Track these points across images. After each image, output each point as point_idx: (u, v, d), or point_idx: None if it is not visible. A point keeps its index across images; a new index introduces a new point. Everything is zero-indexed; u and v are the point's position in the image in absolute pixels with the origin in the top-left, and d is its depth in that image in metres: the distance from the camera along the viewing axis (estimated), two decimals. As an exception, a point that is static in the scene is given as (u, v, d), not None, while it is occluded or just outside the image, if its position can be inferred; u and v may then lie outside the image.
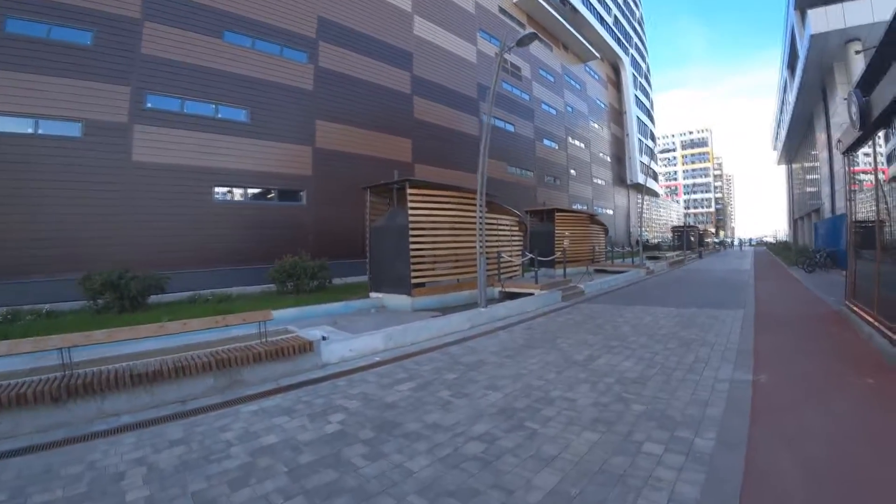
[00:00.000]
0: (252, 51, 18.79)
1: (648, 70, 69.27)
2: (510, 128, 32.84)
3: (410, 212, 12.16)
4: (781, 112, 46.50)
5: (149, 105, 15.74)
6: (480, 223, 10.82)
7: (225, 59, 17.80)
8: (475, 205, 13.80)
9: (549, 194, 36.15)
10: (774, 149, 61.86)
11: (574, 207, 36.35)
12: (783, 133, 44.61)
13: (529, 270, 20.59)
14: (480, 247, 10.69)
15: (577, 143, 43.62)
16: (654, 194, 73.14)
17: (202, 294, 14.05)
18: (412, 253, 12.07)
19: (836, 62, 23.95)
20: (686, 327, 8.38)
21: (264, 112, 18.89)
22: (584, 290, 14.00)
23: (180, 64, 16.52)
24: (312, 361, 6.61)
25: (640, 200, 63.03)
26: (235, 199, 18.30)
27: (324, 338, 7.29)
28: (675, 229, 53.33)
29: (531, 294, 12.74)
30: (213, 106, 17.51)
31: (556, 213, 22.15)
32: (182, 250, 16.24)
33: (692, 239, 44.91)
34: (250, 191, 18.77)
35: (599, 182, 49.13)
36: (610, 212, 50.79)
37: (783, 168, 62.77)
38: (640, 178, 58.25)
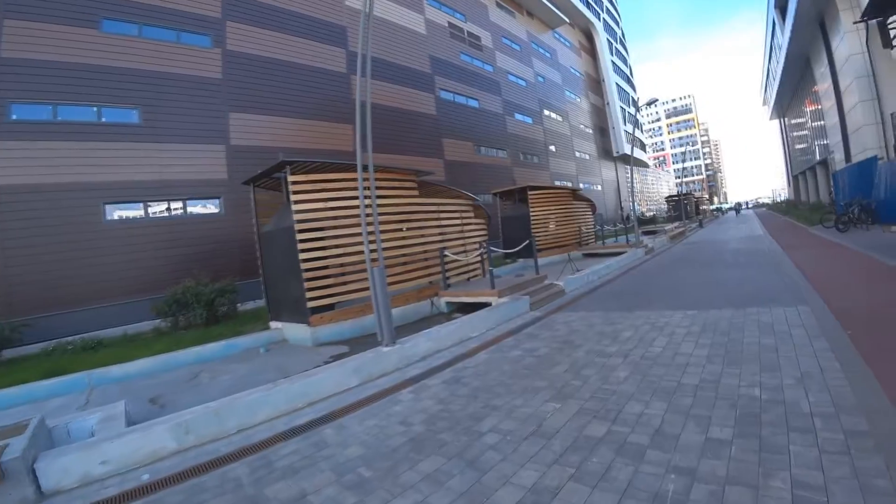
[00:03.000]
0: (140, 39, 15.37)
1: (623, 35, 65.19)
2: (474, 103, 28.95)
3: (295, 207, 8.49)
4: (770, 61, 42.99)
5: (13, 117, 12.82)
6: (367, 214, 7.15)
7: (105, 52, 14.51)
8: (411, 189, 10.22)
9: (528, 174, 32.37)
10: (764, 104, 58.44)
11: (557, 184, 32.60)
12: (775, 84, 41.19)
13: (503, 264, 16.95)
14: (372, 249, 7.03)
15: (553, 115, 39.66)
16: (644, 165, 69.46)
17: (70, 340, 10.63)
18: (304, 265, 8.46)
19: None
20: (730, 361, 4.56)
21: (162, 110, 15.45)
22: (565, 289, 10.27)
23: (50, 64, 13.47)
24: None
25: (629, 172, 59.64)
26: (131, 216, 14.77)
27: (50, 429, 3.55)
28: (669, 199, 49.89)
29: (488, 304, 9.07)
30: (95, 109, 14.30)
31: (530, 192, 18.39)
32: (65, 286, 13.06)
33: (689, 208, 41.34)
34: (152, 205, 15.22)
35: (583, 156, 45.24)
36: (598, 187, 46.97)
37: (775, 124, 59.41)
38: (627, 149, 54.54)
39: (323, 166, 8.98)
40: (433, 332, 6.92)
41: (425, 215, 10.46)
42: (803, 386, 3.70)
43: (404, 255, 9.78)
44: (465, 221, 11.97)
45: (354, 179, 9.25)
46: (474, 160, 27.83)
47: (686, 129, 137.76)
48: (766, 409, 3.36)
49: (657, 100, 17.71)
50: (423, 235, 10.28)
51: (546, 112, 38.21)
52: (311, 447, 3.89)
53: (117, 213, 14.46)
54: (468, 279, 11.66)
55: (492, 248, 11.72)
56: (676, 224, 32.40)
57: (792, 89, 39.19)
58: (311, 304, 8.48)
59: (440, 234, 10.83)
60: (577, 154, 43.71)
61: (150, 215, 15.17)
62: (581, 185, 39.63)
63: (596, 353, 5.44)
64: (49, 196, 13.06)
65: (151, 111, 15.24)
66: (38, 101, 13.27)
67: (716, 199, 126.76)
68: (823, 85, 27.55)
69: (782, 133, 55.90)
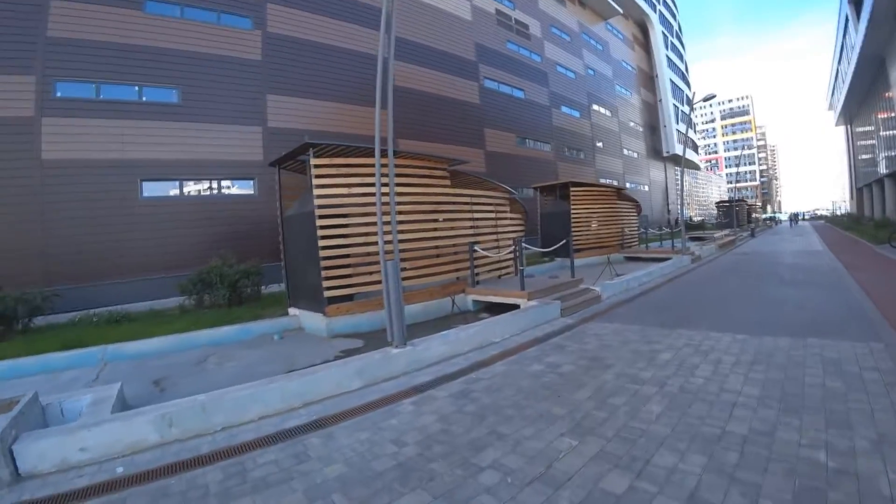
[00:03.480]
0: (181, 21, 15.55)
1: (680, 30, 62.06)
2: (519, 93, 28.00)
3: (317, 192, 8.10)
4: (840, 62, 40.00)
5: (58, 94, 13.22)
6: (384, 203, 6.65)
7: (148, 32, 14.73)
8: (442, 178, 9.70)
9: (573, 169, 31.25)
10: (830, 108, 54.74)
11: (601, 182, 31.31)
12: (844, 87, 38.28)
13: (540, 262, 16.24)
14: (387, 240, 6.51)
15: (602, 110, 38.17)
16: (695, 167, 66.61)
17: (97, 312, 10.60)
18: (322, 253, 8.06)
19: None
20: (788, 407, 3.81)
21: (201, 91, 15.56)
22: (602, 295, 9.54)
23: (94, 43, 13.77)
24: None
25: (678, 173, 57.26)
26: (168, 194, 15.02)
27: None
28: (720, 204, 47.52)
29: (516, 306, 8.48)
30: (136, 88, 14.60)
31: (572, 188, 17.53)
32: (102, 259, 13.47)
33: (741, 215, 39.17)
34: (188, 184, 15.50)
35: (631, 154, 43.51)
36: (645, 187, 45.16)
37: (841, 131, 55.56)
38: (678, 149, 52.22)
39: (348, 150, 8.53)
40: (450, 335, 6.38)
41: (456, 206, 9.90)
42: (881, 455, 2.96)
43: (432, 247, 9.27)
44: (500, 215, 11.35)
45: (384, 165, 8.82)
46: (517, 152, 26.98)
47: (742, 131, 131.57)
48: (833, 484, 2.66)
49: (714, 95, 16.48)
50: (452, 228, 9.74)
51: (594, 106, 36.82)
52: (292, 458, 3.49)
53: (153, 190, 14.69)
54: (499, 276, 11.07)
55: (526, 245, 11.11)
56: (726, 231, 30.71)
57: (863, 93, 36.33)
58: (328, 294, 8.11)
59: (472, 227, 10.26)
60: (625, 151, 42.06)
61: (185, 194, 15.43)
62: (627, 185, 38.13)
63: (628, 378, 4.78)
64: (89, 171, 13.47)
65: (190, 91, 15.36)
66: (81, 79, 13.60)
67: (769, 208, 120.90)
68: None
69: (848, 141, 52.22)
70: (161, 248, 14.35)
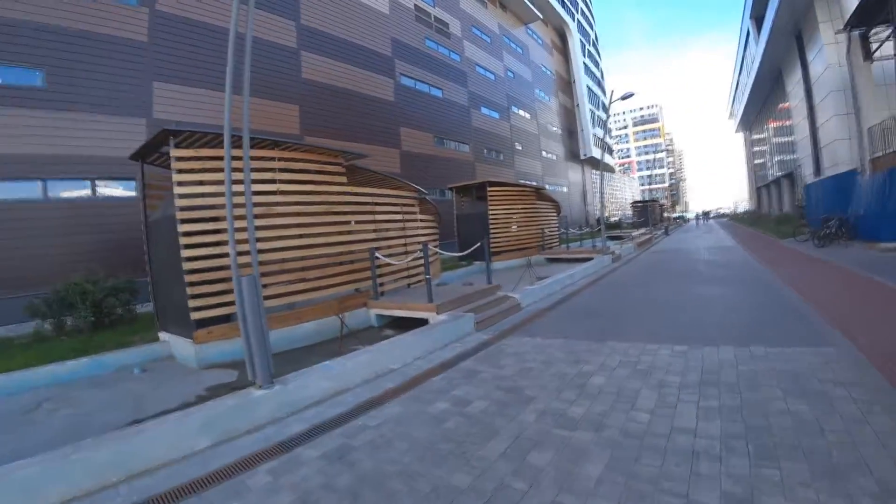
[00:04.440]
0: None
1: (597, 38, 64.22)
2: (437, 92, 26.97)
3: (178, 190, 6.55)
4: (741, 73, 42.67)
5: None
6: (239, 203, 5.27)
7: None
8: (337, 174, 8.38)
9: (492, 171, 30.66)
10: (731, 116, 58.62)
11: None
12: (744, 97, 40.95)
13: (458, 266, 15.24)
14: (241, 251, 5.15)
15: (521, 112, 38.04)
16: (610, 170, 69.02)
17: None
18: (188, 265, 6.53)
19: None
20: (760, 451, 2.88)
21: (73, 74, 13.02)
22: (521, 303, 8.57)
23: None
24: None
25: (595, 175, 59.02)
26: (28, 196, 12.36)
27: None
28: (635, 204, 49.40)
29: (424, 321, 7.34)
30: None
31: (490, 188, 16.69)
32: None
33: (655, 215, 40.67)
34: (54, 183, 12.79)
35: (550, 156, 43.83)
36: (564, 189, 45.72)
37: (740, 137, 59.70)
38: (596, 152, 53.77)
39: (219, 139, 6.98)
40: (335, 366, 5.07)
41: (355, 207, 8.58)
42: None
43: (323, 255, 7.88)
44: (408, 217, 10.13)
45: (267, 158, 7.38)
46: (434, 153, 25.93)
47: (652, 137, 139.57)
48: None
49: (633, 94, 16.31)
50: (350, 232, 8.40)
51: (514, 108, 36.60)
52: None
53: (8, 192, 12.05)
54: (409, 286, 9.85)
55: (439, 251, 9.99)
56: (643, 230, 31.46)
57: (760, 102, 38.92)
58: (195, 316, 6.54)
59: (375, 230, 8.96)
60: (544, 154, 42.34)
61: (49, 196, 12.73)
62: (547, 186, 38.32)
63: (554, 418, 3.70)
64: None
65: (60, 74, 12.85)
66: None
67: (678, 208, 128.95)
68: (795, 98, 27.00)
69: (747, 146, 56.20)
70: (17, 262, 11.87)
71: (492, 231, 16.15)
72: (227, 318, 7.06)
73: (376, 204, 9.06)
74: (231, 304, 6.82)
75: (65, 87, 12.87)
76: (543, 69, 45.21)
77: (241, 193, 6.85)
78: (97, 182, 13.55)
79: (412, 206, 10.44)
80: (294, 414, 4.36)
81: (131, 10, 14.47)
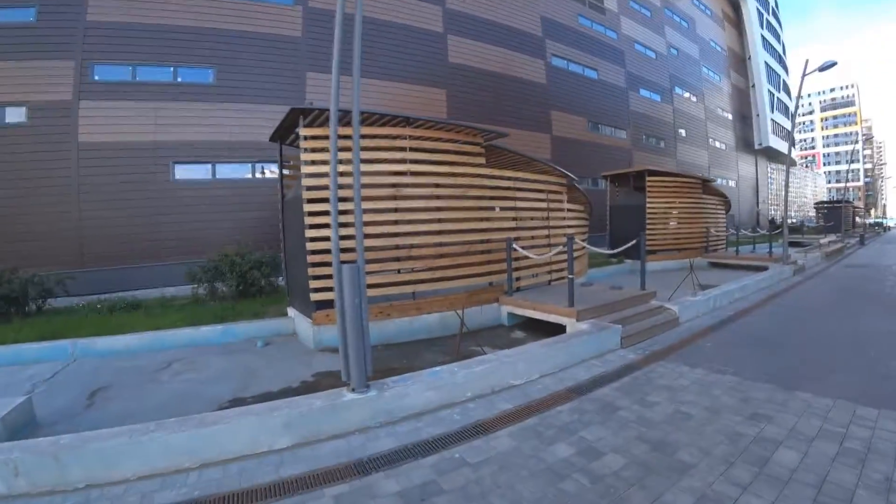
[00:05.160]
0: None
1: (776, 5, 55.20)
2: (591, 73, 25.05)
3: (305, 169, 6.43)
4: None
5: (95, 77, 13.27)
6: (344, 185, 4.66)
7: (183, 12, 14.24)
8: (474, 155, 7.77)
9: (651, 159, 27.70)
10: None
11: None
12: None
13: (607, 264, 13.87)
14: (343, 235, 4.67)
15: (686, 95, 34.01)
16: (791, 163, 59.97)
17: (107, 298, 9.94)
18: (311, 245, 6.43)
19: None
20: None
21: (237, 70, 14.82)
22: (679, 316, 7.17)
23: (131, 26, 13.56)
24: None
25: (771, 169, 51.39)
26: (200, 176, 14.42)
27: None
28: (820, 206, 41.84)
29: (561, 327, 6.42)
30: (171, 69, 14.21)
31: (649, 178, 14.84)
32: (130, 241, 13.32)
33: (847, 219, 33.82)
34: (221, 166, 14.69)
35: (718, 145, 38.73)
36: (732, 183, 40.15)
37: None
38: (773, 141, 46.67)
39: (347, 116, 6.68)
40: (444, 374, 4.38)
41: (492, 192, 7.82)
42: None
43: (454, 243, 7.27)
44: (553, 205, 9.12)
45: (393, 136, 6.96)
46: (587, 138, 24.19)
47: (844, 125, 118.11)
48: None
49: (835, 63, 13.10)
50: (486, 219, 7.67)
51: (678, 90, 32.79)
52: None
53: (186, 173, 14.26)
54: (549, 283, 8.88)
55: (583, 244, 8.87)
56: (832, 237, 26.37)
57: None
58: (315, 297, 6.41)
59: (514, 218, 8.13)
60: (711, 142, 37.48)
61: (218, 177, 14.64)
62: (714, 179, 34.03)
63: (727, 506, 2.62)
64: (124, 154, 13.32)
65: (227, 71, 14.68)
66: (118, 62, 13.46)
67: (873, 212, 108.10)
68: None
69: None
70: (188, 233, 13.76)
71: (649, 226, 14.37)
72: None
73: (517, 189, 8.21)
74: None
75: (232, 82, 14.61)
76: (713, 44, 39.94)
77: (366, 173, 6.57)
78: (256, 165, 14.86)
79: (559, 193, 9.40)
80: (387, 425, 3.86)
81: (287, 9, 15.80)
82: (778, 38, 53.94)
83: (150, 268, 13.20)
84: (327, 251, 6.40)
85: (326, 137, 6.49)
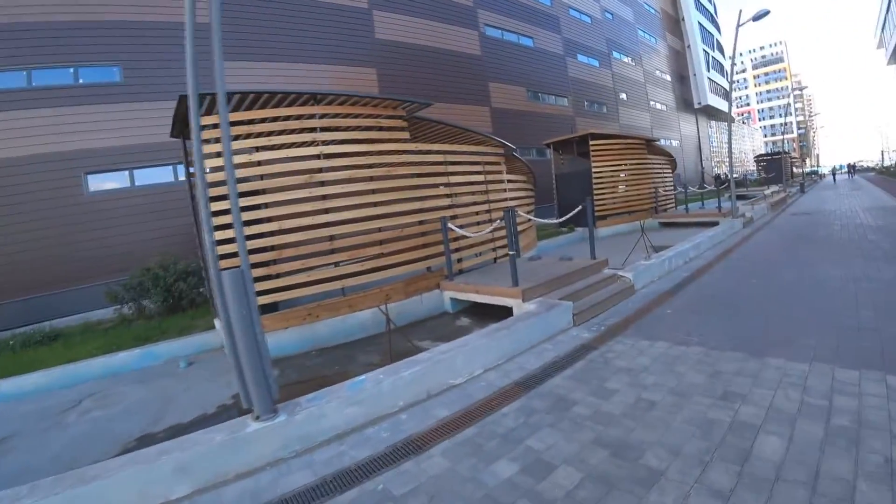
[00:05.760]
0: None
1: (708, -34, 56.18)
2: (527, 41, 24.36)
3: (208, 162, 5.48)
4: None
5: None
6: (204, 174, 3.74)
7: (78, 6, 12.48)
8: (396, 130, 7.00)
9: (594, 125, 27.13)
10: (880, 46, 48.84)
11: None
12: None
13: (557, 234, 13.44)
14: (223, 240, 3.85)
15: (624, 58, 33.84)
16: (731, 119, 61.69)
17: (23, 332, 8.71)
18: (219, 249, 5.41)
19: None
20: None
21: (147, 65, 13.14)
22: (634, 284, 6.66)
23: (23, 25, 11.82)
24: None
25: (710, 127, 52.61)
26: (117, 185, 12.87)
27: None
28: (760, 158, 43.05)
29: (508, 310, 5.82)
30: (72, 70, 12.49)
31: (592, 141, 14.38)
32: (49, 266, 11.84)
33: (785, 169, 34.75)
34: (139, 172, 13.13)
35: (659, 107, 38.99)
36: (675, 143, 40.63)
37: (892, 72, 49.62)
38: (711, 99, 47.62)
39: (246, 98, 5.77)
40: (366, 385, 3.66)
41: (421, 168, 7.08)
42: None
43: (379, 228, 6.50)
44: (491, 178, 8.45)
45: (299, 117, 6.10)
46: (528, 108, 23.54)
47: (776, 80, 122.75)
48: None
49: (768, 12, 12.91)
50: (416, 199, 6.92)
51: (615, 54, 32.62)
52: None
53: (100, 183, 12.69)
54: (495, 260, 8.25)
55: (534, 217, 8.28)
56: (775, 188, 26.96)
57: None
58: None
59: (449, 195, 7.42)
60: (652, 104, 37.71)
61: (137, 184, 13.08)
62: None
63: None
64: (26, 168, 11.70)
65: (135, 67, 13.00)
66: (12, 67, 11.74)
67: (808, 161, 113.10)
68: None
69: (904, 79, 46.72)
70: (110, 249, 12.32)
71: (596, 192, 13.97)
72: (273, 307, 6.05)
73: (450, 163, 7.48)
74: (275, 290, 5.80)
75: (140, 79, 13.05)
76: (647, 7, 39.99)
77: (274, 161, 5.74)
78: (178, 166, 13.52)
79: (497, 164, 8.73)
80: (304, 454, 3.20)
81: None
82: (709, -2, 54.86)
83: (74, 291, 11.80)
84: (236, 254, 5.60)
85: (215, 126, 5.61)
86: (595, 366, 4.09)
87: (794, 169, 48.60)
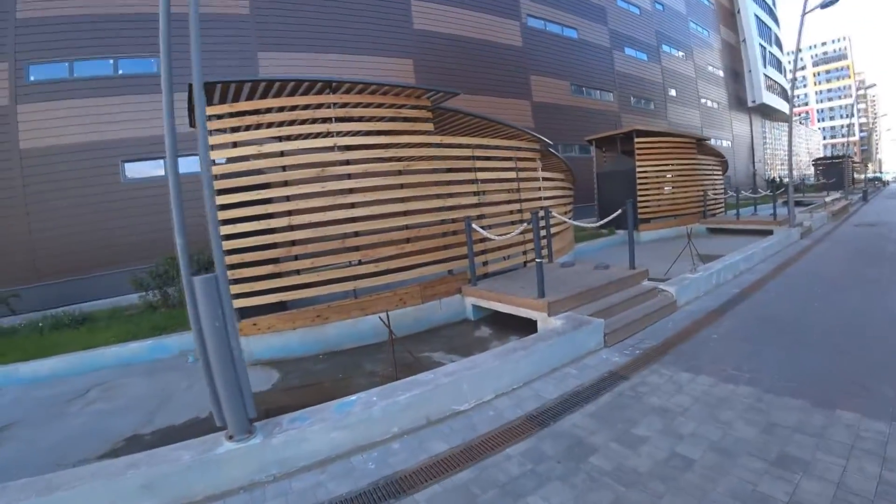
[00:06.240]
0: None
1: (767, -47, 52.91)
2: (571, 33, 23.39)
3: (213, 153, 5.30)
4: None
5: (31, 78, 12.05)
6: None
7: None
8: (419, 121, 6.54)
9: (640, 122, 25.78)
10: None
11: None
12: None
13: (596, 236, 12.75)
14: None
15: (674, 52, 32.23)
16: (786, 119, 58.31)
17: (53, 314, 8.68)
18: (225, 244, 5.22)
19: None
20: None
21: (183, 55, 12.92)
22: (676, 299, 5.98)
23: (65, 19, 12.25)
24: None
25: (765, 126, 49.84)
26: (153, 174, 13.13)
27: None
28: (818, 162, 40.30)
29: (533, 322, 5.29)
30: (112, 61, 12.89)
31: (638, 139, 13.49)
32: (86, 250, 12.25)
33: (846, 175, 32.36)
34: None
35: (710, 104, 37.05)
36: (727, 143, 38.59)
37: None
38: (767, 97, 45.01)
39: (258, 87, 5.40)
40: (355, 407, 3.24)
41: (446, 163, 6.57)
42: None
43: (397, 226, 6.03)
44: (524, 175, 7.84)
45: (311, 106, 5.71)
46: (571, 103, 22.66)
47: (837, 79, 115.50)
48: None
49: (835, 0, 11.68)
50: (440, 196, 6.42)
51: (665, 48, 31.06)
52: None
53: (137, 171, 13.06)
54: (525, 264, 7.67)
55: (566, 219, 7.66)
56: (836, 195, 25.12)
57: None
58: (238, 303, 5.22)
59: (475, 193, 6.87)
60: (703, 101, 35.81)
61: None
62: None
63: None
64: (70, 157, 12.19)
65: (172, 58, 12.83)
66: (54, 59, 12.24)
67: (870, 167, 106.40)
68: None
69: None
70: (145, 235, 12.47)
71: (640, 192, 13.09)
72: (281, 306, 5.72)
73: (478, 158, 6.94)
74: (284, 289, 5.46)
75: (177, 69, 13.00)
76: (701, -2, 38.00)
77: (283, 153, 5.38)
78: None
79: (531, 160, 8.10)
80: (281, 479, 2.89)
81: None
82: (768, -14, 51.81)
83: (108, 276, 12.06)
84: (248, 248, 5.28)
85: (229, 115, 5.30)
86: (624, 401, 3.51)
87: (856, 174, 45.52)
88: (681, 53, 33.34)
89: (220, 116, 5.34)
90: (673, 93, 31.48)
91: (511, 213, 7.54)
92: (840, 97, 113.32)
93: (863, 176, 52.26)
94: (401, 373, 4.14)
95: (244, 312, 5.37)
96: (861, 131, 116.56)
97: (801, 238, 11.37)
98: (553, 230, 8.00)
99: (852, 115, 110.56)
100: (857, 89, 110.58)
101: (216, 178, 5.20)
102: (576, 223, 7.56)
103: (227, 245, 5.18)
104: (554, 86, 21.81)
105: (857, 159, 75.12)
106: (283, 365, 5.31)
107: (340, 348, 5.65)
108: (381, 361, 5.07)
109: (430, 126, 6.32)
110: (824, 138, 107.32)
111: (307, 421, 3.10)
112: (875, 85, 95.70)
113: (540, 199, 8.21)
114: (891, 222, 14.24)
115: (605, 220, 6.99)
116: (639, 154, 13.37)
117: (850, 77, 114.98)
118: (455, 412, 3.53)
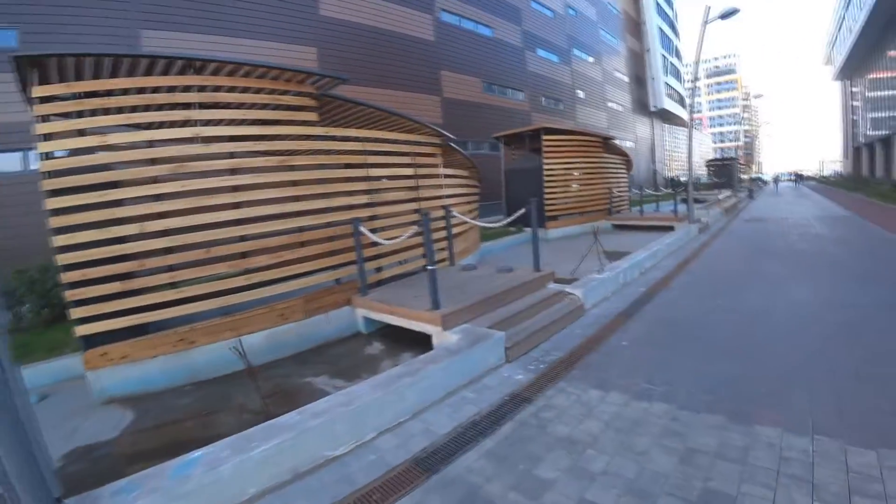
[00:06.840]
0: None
1: (669, -28, 56.76)
2: (485, 31, 23.32)
3: (42, 147, 4.18)
4: (848, 8, 35.38)
5: None
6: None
7: None
8: (301, 110, 5.72)
9: (550, 121, 26.18)
10: (828, 62, 50.40)
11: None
12: (849, 40, 34.14)
13: (505, 234, 12.46)
14: None
15: (585, 56, 33.37)
16: (682, 124, 62.71)
17: None
18: (61, 258, 4.27)
19: None
20: None
21: (50, 28, 11.19)
22: (584, 302, 5.66)
23: None
24: None
25: (665, 130, 53.17)
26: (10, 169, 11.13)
27: None
28: (711, 163, 43.51)
29: (429, 338, 4.70)
30: None
31: (546, 136, 13.39)
32: None
33: (734, 175, 35.26)
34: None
35: (616, 107, 38.79)
36: (630, 144, 40.50)
37: (837, 87, 51.30)
38: (667, 103, 48.05)
39: (101, 62, 4.37)
40: (198, 468, 2.47)
41: (330, 158, 5.82)
42: None
43: (273, 231, 5.22)
44: (423, 172, 7.25)
45: (170, 89, 4.79)
46: (482, 100, 22.48)
47: (727, 90, 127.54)
48: None
49: (737, 10, 12.22)
50: (324, 195, 5.65)
51: (576, 51, 31.99)
52: None
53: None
54: (425, 268, 6.97)
55: (459, 215, 7.14)
56: (727, 193, 27.00)
57: (872, 44, 31.89)
58: (82, 330, 4.22)
59: (367, 191, 6.18)
60: (610, 104, 37.51)
61: (33, 168, 10.98)
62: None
63: None
64: None
65: (36, 31, 11.05)
66: None
67: (753, 168, 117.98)
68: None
69: (845, 97, 48.30)
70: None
71: (547, 190, 12.99)
72: (141, 330, 4.68)
73: (370, 153, 6.25)
74: (138, 310, 4.48)
75: (46, 45, 10.97)
76: (609, 7, 39.70)
77: (129, 146, 4.42)
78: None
79: (431, 156, 7.54)
80: None
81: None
82: (670, 3, 55.43)
83: None
84: (92, 263, 4.24)
85: (69, 98, 4.29)
86: (527, 432, 3.00)
87: (742, 175, 49.80)
88: (590, 58, 34.50)
89: (55, 98, 4.29)
90: (581, 95, 32.47)
91: (409, 213, 6.90)
92: (729, 107, 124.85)
93: (747, 176, 57.17)
94: (276, 406, 3.43)
95: (91, 341, 4.35)
96: (746, 137, 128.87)
97: (699, 233, 11.76)
98: (456, 230, 7.51)
99: (740, 122, 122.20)
100: (744, 99, 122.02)
101: (48, 175, 4.16)
102: (479, 223, 7.10)
103: (65, 259, 4.16)
104: (465, 82, 21.52)
105: (742, 162, 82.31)
106: (140, 401, 4.31)
107: (210, 376, 4.76)
108: (256, 391, 4.28)
109: (313, 115, 5.54)
110: (714, 142, 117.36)
111: (135, 492, 2.31)
112: (761, 95, 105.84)
113: (441, 197, 7.65)
114: (775, 218, 15.29)
115: (510, 219, 6.59)
116: (546, 152, 13.28)
117: (738, 89, 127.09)
118: (329, 458, 2.86)
